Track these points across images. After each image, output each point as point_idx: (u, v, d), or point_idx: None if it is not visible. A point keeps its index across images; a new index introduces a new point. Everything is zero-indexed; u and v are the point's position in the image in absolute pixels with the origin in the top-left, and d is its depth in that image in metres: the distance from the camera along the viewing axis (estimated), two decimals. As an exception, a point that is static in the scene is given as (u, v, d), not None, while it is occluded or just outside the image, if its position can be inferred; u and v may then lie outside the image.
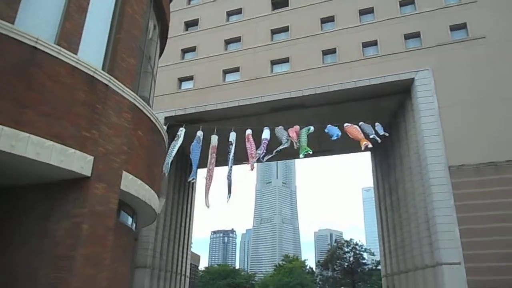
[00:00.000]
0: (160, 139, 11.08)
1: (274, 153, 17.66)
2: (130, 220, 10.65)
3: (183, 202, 34.75)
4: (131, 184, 9.10)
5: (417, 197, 23.57)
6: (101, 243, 8.06)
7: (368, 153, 36.56)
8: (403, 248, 26.74)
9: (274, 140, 18.60)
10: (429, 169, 21.87)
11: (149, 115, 10.12)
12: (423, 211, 22.73)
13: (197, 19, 32.51)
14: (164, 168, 17.98)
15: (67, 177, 7.86)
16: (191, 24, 32.96)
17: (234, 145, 19.20)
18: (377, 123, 21.06)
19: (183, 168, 34.30)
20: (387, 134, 21.81)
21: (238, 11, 31.49)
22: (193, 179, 15.84)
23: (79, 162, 7.75)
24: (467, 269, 19.89)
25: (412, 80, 23.94)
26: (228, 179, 16.64)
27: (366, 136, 19.24)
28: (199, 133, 20.37)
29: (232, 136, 20.25)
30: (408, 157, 25.23)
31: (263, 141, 18.66)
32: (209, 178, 16.04)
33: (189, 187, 36.31)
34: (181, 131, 22.47)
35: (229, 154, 18.24)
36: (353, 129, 19.96)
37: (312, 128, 19.47)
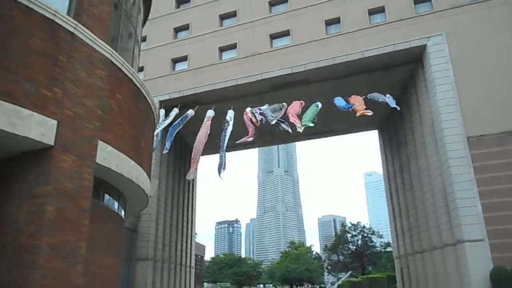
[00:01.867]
0: (147, 108, 9.39)
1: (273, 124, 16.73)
2: (116, 204, 9.03)
3: (184, 191, 33.24)
4: (111, 157, 7.45)
5: (433, 172, 21.96)
6: (73, 229, 6.43)
7: (375, 133, 34.93)
8: (417, 228, 25.24)
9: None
10: (445, 142, 20.21)
11: (131, 76, 8.42)
12: (440, 187, 21.15)
13: (189, -5, 30.55)
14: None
15: (24, 147, 6.21)
16: (182, 1, 30.98)
17: (231, 123, 17.81)
18: (387, 95, 19.41)
19: (183, 156, 32.71)
20: (398, 108, 20.37)
21: (233, -16, 29.48)
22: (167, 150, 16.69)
23: (38, 127, 6.08)
24: (492, 245, 18.42)
25: (424, 47, 22.11)
26: (221, 157, 15.62)
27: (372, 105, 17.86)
28: (190, 112, 18.80)
29: (230, 114, 18.81)
30: (421, 131, 23.55)
31: (257, 109, 17.29)
32: (197, 153, 15.24)
33: (189, 175, 34.75)
34: (174, 111, 20.92)
35: (224, 132, 17.05)
36: (357, 99, 18.48)
37: (320, 104, 18.11)
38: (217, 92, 26.55)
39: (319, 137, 37.45)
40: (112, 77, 7.77)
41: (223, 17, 28.92)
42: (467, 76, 20.67)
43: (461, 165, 19.57)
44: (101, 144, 7.19)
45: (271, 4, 27.78)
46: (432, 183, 22.21)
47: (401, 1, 23.59)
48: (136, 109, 8.62)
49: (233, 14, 28.56)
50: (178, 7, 30.94)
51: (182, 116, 18.50)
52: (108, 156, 7.36)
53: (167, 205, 28.70)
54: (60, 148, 6.37)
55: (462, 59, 21.03)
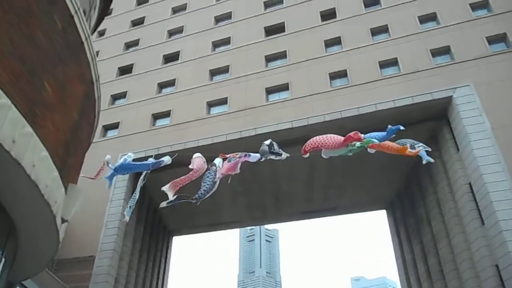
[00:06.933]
0: (73, 38, 4.88)
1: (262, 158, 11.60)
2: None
3: (153, 276, 26.48)
4: None
5: (476, 253, 16.88)
6: None
7: (383, 214, 30.13)
8: (456, 333, 19.05)
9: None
10: (495, 209, 15.61)
11: None
12: (490, 272, 15.91)
13: (178, 52, 28.07)
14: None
15: None
16: (170, 59, 28.38)
17: (218, 169, 13.47)
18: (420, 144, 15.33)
19: (155, 231, 26.82)
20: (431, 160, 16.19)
21: (226, 41, 27.30)
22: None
23: None
24: None
25: (450, 99, 18.89)
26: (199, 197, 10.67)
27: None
28: (166, 158, 13.65)
29: (217, 161, 14.48)
30: (453, 201, 19.05)
31: (245, 156, 12.76)
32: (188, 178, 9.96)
33: (161, 257, 28.28)
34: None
35: (208, 173, 12.41)
36: (387, 144, 13.99)
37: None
38: (201, 149, 21.73)
39: (315, 217, 32.28)
40: None
41: (213, 72, 26.04)
42: (507, 128, 17.11)
43: (520, 239, 14.77)
44: None
45: (268, 60, 25.19)
46: (476, 267, 16.98)
47: (416, 53, 21.10)
48: (44, 19, 4.10)
49: (225, 70, 25.76)
50: (165, 63, 28.23)
51: (155, 161, 13.56)
52: None
53: (127, 290, 21.93)
54: None
55: (497, 110, 17.70)
